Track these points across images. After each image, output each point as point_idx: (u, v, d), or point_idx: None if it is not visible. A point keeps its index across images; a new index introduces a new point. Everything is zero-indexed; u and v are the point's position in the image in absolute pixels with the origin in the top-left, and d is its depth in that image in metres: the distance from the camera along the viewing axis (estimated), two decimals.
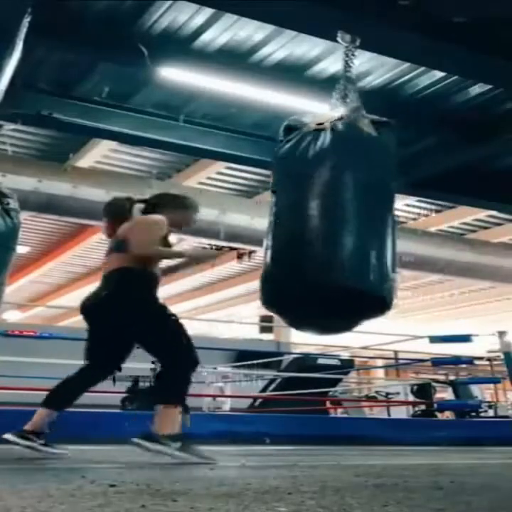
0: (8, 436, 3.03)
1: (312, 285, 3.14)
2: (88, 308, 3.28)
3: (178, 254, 3.77)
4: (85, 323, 3.30)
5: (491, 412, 10.41)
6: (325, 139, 3.32)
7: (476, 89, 6.19)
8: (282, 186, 3.44)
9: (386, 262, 3.19)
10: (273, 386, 9.17)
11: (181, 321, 3.28)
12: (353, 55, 3.87)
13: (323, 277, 3.11)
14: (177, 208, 3.50)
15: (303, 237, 3.18)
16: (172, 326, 3.21)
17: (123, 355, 3.31)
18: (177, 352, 3.16)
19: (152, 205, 3.48)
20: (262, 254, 3.45)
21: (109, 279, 3.25)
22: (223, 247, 4.20)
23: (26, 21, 3.75)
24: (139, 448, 2.97)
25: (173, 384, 3.14)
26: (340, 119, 3.42)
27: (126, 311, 3.14)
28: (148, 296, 3.22)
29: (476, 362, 9.33)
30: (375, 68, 5.82)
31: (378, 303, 3.22)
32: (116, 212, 3.48)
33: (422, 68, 5.85)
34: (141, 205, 3.50)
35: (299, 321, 3.56)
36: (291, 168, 3.40)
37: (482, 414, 9.34)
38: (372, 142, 3.39)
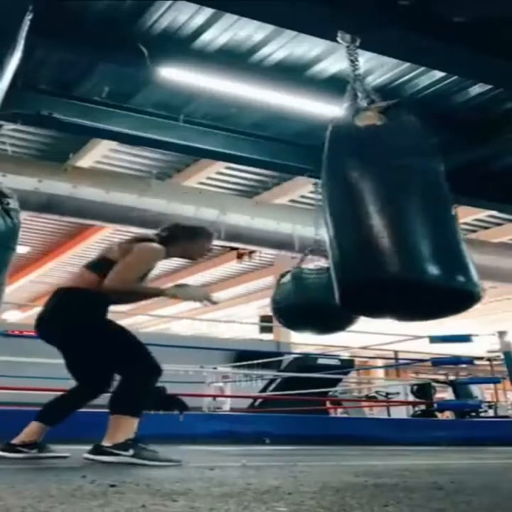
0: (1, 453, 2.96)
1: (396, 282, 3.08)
2: (37, 327, 3.24)
3: (157, 293, 3.46)
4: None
5: (491, 412, 10.42)
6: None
7: (476, 89, 6.19)
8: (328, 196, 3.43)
9: (458, 250, 3.15)
10: (273, 386, 9.17)
11: (132, 330, 3.21)
12: (355, 53, 3.87)
13: (415, 274, 3.05)
14: (192, 239, 3.39)
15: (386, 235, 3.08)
16: (118, 339, 3.13)
17: (101, 369, 3.21)
18: (132, 363, 3.06)
19: (164, 238, 3.35)
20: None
21: (57, 297, 3.28)
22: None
23: (27, 20, 3.74)
24: (93, 462, 2.86)
25: (131, 394, 3.05)
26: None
27: (67, 332, 3.11)
28: (91, 317, 3.14)
29: (476, 362, 9.34)
30: (375, 68, 5.82)
31: (465, 297, 3.17)
32: None
33: (422, 68, 5.85)
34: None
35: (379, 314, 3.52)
36: (339, 164, 3.38)
37: (482, 414, 9.35)
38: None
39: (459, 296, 3.16)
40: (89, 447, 2.94)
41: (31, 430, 3.07)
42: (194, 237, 3.41)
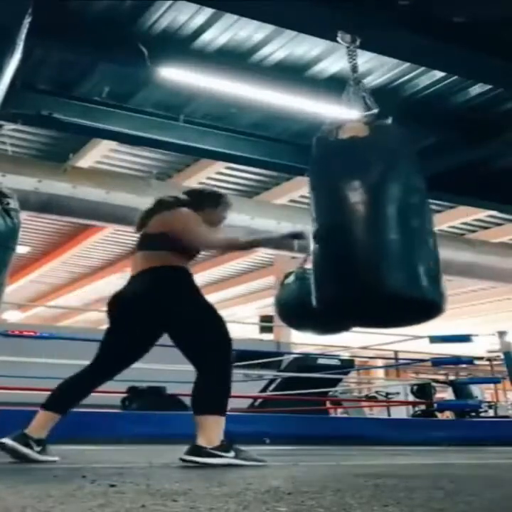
0: (5, 440, 2.79)
1: (364, 295, 3.15)
2: (124, 302, 3.02)
3: (253, 244, 3.40)
4: (111, 319, 3.06)
5: (491, 412, 10.42)
6: (360, 148, 3.30)
7: (476, 89, 6.20)
8: (322, 199, 3.41)
9: (432, 265, 3.20)
10: (273, 386, 9.17)
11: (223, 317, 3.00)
12: (355, 55, 3.89)
13: (376, 286, 3.11)
14: (216, 206, 3.27)
15: (353, 248, 3.16)
16: (215, 324, 2.94)
17: (137, 356, 3.09)
18: (218, 354, 2.90)
19: (189, 203, 3.19)
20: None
21: (147, 277, 2.98)
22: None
23: (27, 21, 3.75)
24: (190, 464, 2.67)
25: (216, 391, 2.88)
26: (368, 126, 3.40)
27: (169, 310, 2.91)
28: (190, 294, 2.98)
29: (476, 362, 9.34)
30: (375, 68, 5.82)
31: (430, 307, 3.25)
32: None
33: (422, 68, 5.85)
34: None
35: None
36: (327, 180, 3.36)
37: (482, 414, 9.35)
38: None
39: (420, 306, 3.22)
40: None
41: (41, 422, 2.88)
42: (218, 204, 3.30)
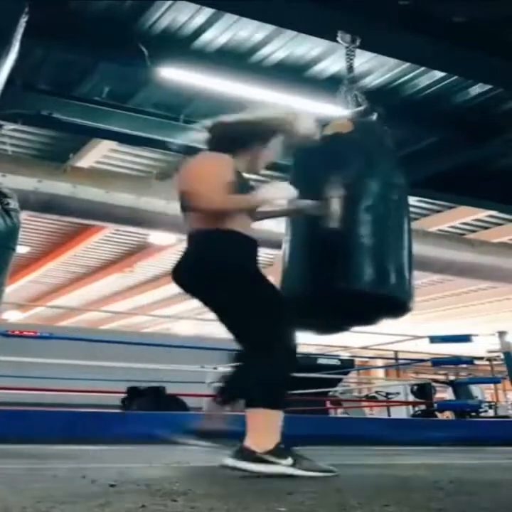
0: None
1: (331, 291, 3.12)
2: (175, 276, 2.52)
3: (263, 202, 2.69)
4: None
5: (491, 412, 10.42)
6: (340, 145, 3.30)
7: (476, 89, 6.20)
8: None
9: (404, 264, 3.19)
10: None
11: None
12: (353, 55, 3.91)
13: (342, 284, 3.09)
14: (261, 140, 2.54)
15: (323, 245, 3.12)
16: (267, 299, 2.40)
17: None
18: (274, 333, 2.35)
19: (217, 139, 2.59)
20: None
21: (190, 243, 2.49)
22: None
23: (23, 21, 3.74)
24: (235, 471, 2.18)
25: (271, 378, 2.42)
26: (348, 124, 3.40)
27: (203, 278, 2.43)
28: (237, 260, 2.44)
29: (476, 362, 9.34)
30: (375, 68, 5.82)
31: (398, 306, 3.24)
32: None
33: (422, 68, 5.85)
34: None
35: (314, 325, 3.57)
36: (308, 175, 3.37)
37: (482, 414, 9.35)
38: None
39: (387, 304, 3.22)
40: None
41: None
42: (272, 135, 2.53)
